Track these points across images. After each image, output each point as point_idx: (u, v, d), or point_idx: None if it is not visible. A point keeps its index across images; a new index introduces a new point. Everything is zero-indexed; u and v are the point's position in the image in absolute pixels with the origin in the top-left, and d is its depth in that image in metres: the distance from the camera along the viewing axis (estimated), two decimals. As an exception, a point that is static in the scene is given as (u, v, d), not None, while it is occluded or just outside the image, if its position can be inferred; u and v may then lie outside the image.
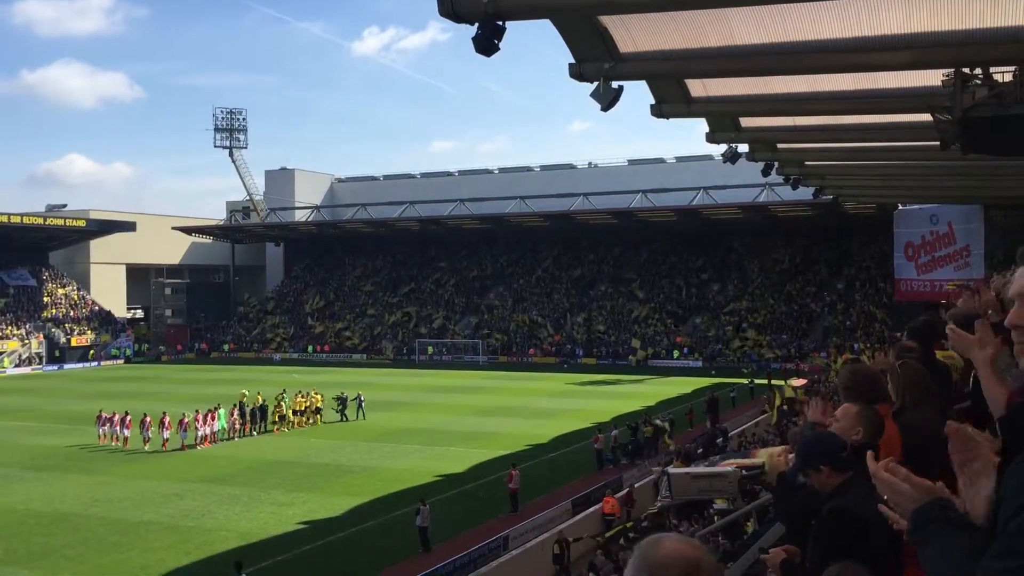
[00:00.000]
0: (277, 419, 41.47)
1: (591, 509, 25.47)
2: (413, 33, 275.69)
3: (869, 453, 2.53)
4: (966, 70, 10.85)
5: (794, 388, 29.00)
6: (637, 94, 13.78)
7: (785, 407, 27.90)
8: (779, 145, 20.73)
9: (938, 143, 13.75)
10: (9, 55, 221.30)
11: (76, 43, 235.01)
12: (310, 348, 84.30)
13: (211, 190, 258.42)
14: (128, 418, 37.80)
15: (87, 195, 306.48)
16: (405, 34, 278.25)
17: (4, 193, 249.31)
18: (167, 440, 36.81)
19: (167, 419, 37.29)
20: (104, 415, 38.64)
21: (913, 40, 10.37)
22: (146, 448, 36.36)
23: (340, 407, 43.85)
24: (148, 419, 36.89)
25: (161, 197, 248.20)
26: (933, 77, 11.59)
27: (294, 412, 43.00)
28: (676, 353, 71.81)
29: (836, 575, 2.84)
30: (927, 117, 12.93)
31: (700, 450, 29.35)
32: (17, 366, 75.21)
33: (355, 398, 44.43)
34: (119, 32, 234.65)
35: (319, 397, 44.67)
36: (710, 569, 1.75)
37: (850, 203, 54.21)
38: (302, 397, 44.17)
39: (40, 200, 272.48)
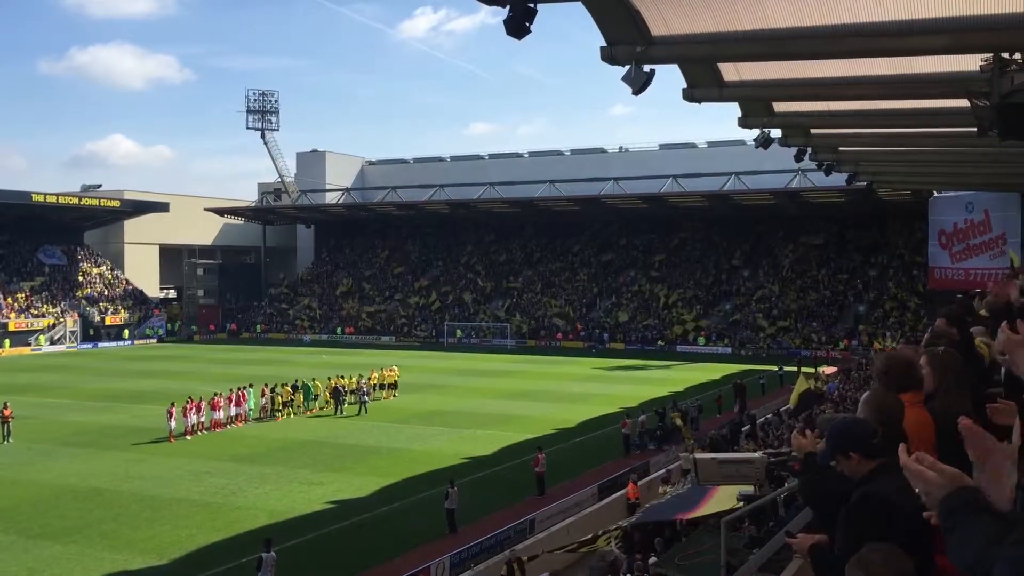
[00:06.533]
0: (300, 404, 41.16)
1: (617, 494, 25.47)
2: (463, 15, 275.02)
3: (901, 446, 2.52)
4: (1005, 55, 10.65)
5: (808, 379, 28.67)
6: (677, 78, 13.62)
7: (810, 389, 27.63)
8: (812, 130, 20.45)
9: (975, 129, 13.52)
10: (60, 36, 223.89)
11: (128, 24, 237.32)
12: (339, 330, 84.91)
13: (244, 172, 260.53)
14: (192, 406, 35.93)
15: (127, 176, 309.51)
16: (455, 16, 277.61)
17: (42, 173, 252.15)
18: (193, 424, 36.06)
19: (191, 404, 36.04)
20: (174, 409, 35.46)
21: (951, 24, 10.19)
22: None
23: (335, 401, 41.33)
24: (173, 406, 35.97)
25: (198, 179, 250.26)
26: (971, 62, 11.38)
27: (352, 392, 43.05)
28: (702, 340, 71.61)
29: (869, 556, 2.82)
30: (964, 103, 12.71)
31: (728, 435, 29.32)
32: (52, 344, 76.44)
33: (356, 390, 41.67)
34: (171, 14, 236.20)
35: (393, 372, 45.34)
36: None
37: (884, 189, 53.54)
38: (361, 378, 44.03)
39: (76, 181, 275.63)
